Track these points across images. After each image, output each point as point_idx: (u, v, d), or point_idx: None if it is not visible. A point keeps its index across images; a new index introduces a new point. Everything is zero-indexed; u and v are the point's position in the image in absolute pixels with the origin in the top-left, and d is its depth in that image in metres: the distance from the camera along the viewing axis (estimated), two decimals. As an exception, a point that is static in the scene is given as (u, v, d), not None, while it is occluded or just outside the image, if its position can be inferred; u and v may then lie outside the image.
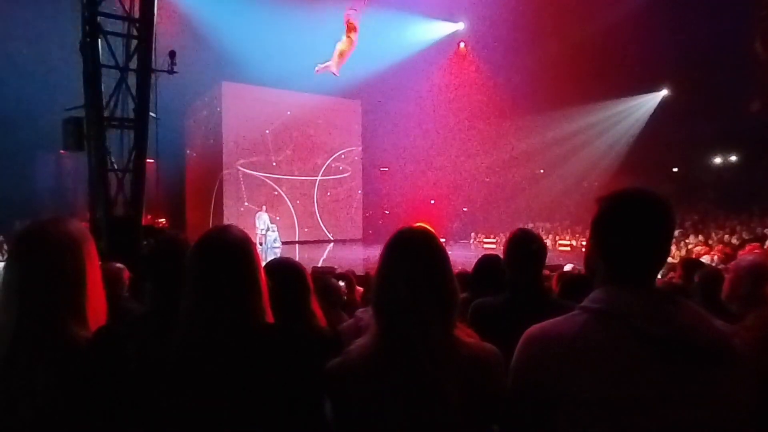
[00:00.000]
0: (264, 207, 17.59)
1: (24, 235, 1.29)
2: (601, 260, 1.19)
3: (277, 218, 18.23)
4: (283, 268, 1.84)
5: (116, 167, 7.28)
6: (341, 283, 3.73)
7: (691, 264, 4.02)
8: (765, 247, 10.32)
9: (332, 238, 20.10)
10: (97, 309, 1.29)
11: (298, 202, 19.72)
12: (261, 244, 15.62)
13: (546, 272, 4.68)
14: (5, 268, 1.25)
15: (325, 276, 3.74)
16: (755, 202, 15.97)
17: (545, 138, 20.05)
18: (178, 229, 17.14)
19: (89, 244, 1.31)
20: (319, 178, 20.39)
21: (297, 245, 17.99)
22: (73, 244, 1.26)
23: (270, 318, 1.35)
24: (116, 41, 7.24)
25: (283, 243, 17.45)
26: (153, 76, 7.47)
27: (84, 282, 1.26)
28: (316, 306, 1.86)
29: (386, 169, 20.62)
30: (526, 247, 2.17)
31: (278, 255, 16.66)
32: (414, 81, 19.93)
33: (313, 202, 20.26)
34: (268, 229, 16.85)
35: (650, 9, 15.23)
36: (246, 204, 18.47)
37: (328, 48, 14.50)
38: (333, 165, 20.76)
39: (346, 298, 3.67)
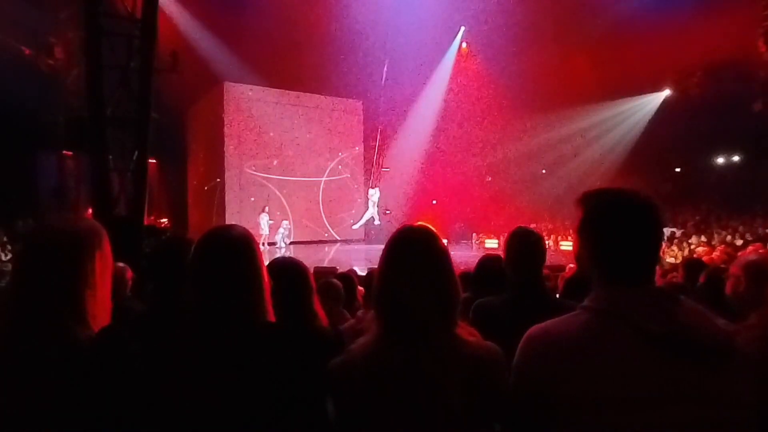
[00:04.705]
0: (266, 207, 17.61)
1: (30, 234, 1.30)
2: (596, 261, 1.19)
3: (278, 213, 18.27)
4: (285, 267, 1.83)
5: (118, 167, 7.29)
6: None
7: (693, 264, 4.00)
8: None
9: (338, 238, 20.11)
10: (102, 309, 1.29)
11: (299, 202, 19.71)
12: (263, 244, 15.62)
13: (546, 272, 4.68)
14: (12, 266, 1.26)
15: (327, 276, 3.74)
16: (758, 202, 15.94)
17: (547, 138, 20.05)
18: (180, 229, 17.20)
19: (99, 243, 1.30)
20: (323, 179, 20.40)
21: (295, 245, 17.95)
22: (78, 243, 1.26)
23: (271, 317, 1.35)
24: (118, 41, 7.26)
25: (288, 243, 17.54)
26: (155, 75, 7.47)
27: (88, 281, 1.25)
28: (318, 306, 1.86)
29: (388, 169, 20.61)
30: (523, 242, 2.17)
31: (283, 254, 16.86)
32: (416, 81, 19.95)
33: (315, 202, 20.26)
34: (279, 234, 17.12)
35: (652, 9, 15.24)
36: (251, 200, 18.50)
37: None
38: (335, 165, 20.77)
39: (346, 297, 3.67)
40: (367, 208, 18.75)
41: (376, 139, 20.04)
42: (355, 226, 19.12)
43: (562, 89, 17.86)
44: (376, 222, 18.57)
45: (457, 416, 1.17)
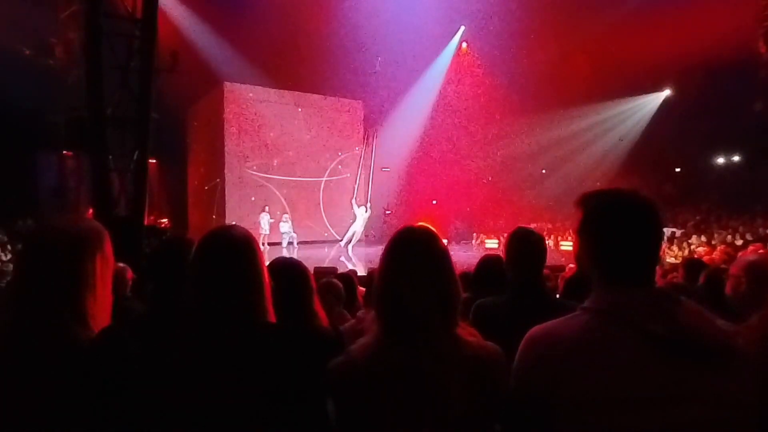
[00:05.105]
0: (266, 208, 17.60)
1: (31, 234, 1.30)
2: (596, 262, 1.19)
3: (278, 213, 18.23)
4: (286, 268, 1.84)
5: (118, 167, 7.29)
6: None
7: (693, 264, 4.00)
8: (768, 247, 10.25)
9: (338, 238, 20.09)
10: (103, 309, 1.29)
11: (300, 202, 19.70)
12: (263, 244, 15.60)
13: (546, 272, 4.68)
14: (13, 266, 1.27)
15: (327, 276, 3.74)
16: (758, 202, 15.93)
17: (548, 138, 20.05)
18: (180, 229, 17.19)
19: (101, 243, 1.30)
20: (323, 179, 20.38)
21: (298, 246, 17.92)
22: (79, 244, 1.26)
23: (272, 317, 1.35)
24: (118, 41, 7.27)
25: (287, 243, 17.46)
26: (155, 75, 7.48)
27: (89, 282, 1.25)
28: (318, 306, 1.86)
29: (388, 169, 20.59)
30: (523, 243, 2.17)
31: (291, 243, 16.78)
32: (416, 81, 19.94)
33: (316, 202, 20.25)
34: (285, 226, 16.98)
35: (652, 9, 15.24)
36: (252, 199, 18.49)
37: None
38: (335, 166, 20.76)
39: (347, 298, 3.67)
40: (354, 220, 17.18)
41: (371, 143, 19.27)
42: (341, 243, 17.52)
43: (562, 89, 17.85)
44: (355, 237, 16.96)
45: (458, 417, 1.18)
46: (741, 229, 14.82)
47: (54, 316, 1.20)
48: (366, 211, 17.18)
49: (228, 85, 18.22)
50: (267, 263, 1.51)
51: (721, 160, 19.91)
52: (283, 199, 19.21)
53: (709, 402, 1.02)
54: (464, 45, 20.64)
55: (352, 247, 16.56)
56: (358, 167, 19.80)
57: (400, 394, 1.19)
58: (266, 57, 16.71)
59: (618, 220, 1.16)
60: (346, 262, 13.83)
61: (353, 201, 17.61)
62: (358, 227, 16.98)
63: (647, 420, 1.01)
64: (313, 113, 20.08)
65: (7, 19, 12.01)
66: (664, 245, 13.93)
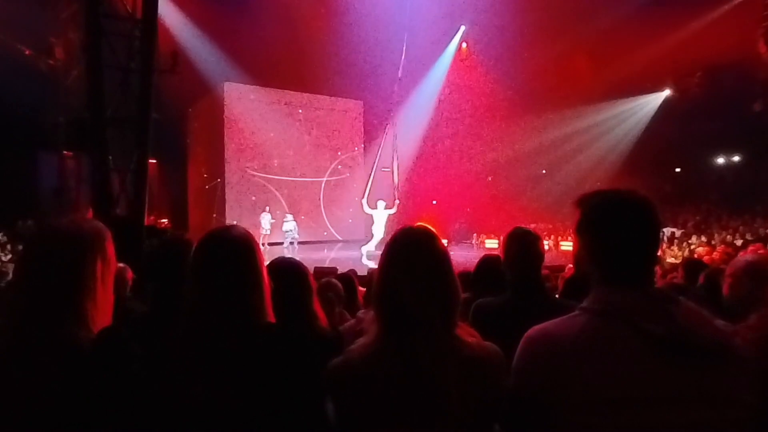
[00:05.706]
0: (267, 207, 17.61)
1: (33, 236, 1.31)
2: (595, 262, 1.20)
3: (278, 213, 18.20)
4: (285, 268, 1.84)
5: (118, 167, 7.30)
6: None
7: (693, 264, 4.01)
8: (768, 247, 10.25)
9: (339, 238, 20.04)
10: (103, 311, 1.29)
11: (300, 202, 19.70)
12: (263, 244, 15.55)
13: (546, 272, 4.67)
14: (14, 268, 1.27)
15: (327, 276, 3.74)
16: (758, 202, 15.94)
17: (548, 138, 20.04)
18: (180, 229, 17.17)
19: (102, 245, 1.31)
20: (323, 179, 20.38)
21: (297, 246, 17.90)
22: (81, 246, 1.26)
23: (271, 318, 1.35)
24: (118, 41, 7.27)
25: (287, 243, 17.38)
26: (155, 76, 7.48)
27: (90, 284, 1.26)
28: (317, 306, 1.86)
29: (387, 169, 20.58)
30: (521, 243, 2.18)
31: (292, 243, 16.59)
32: (416, 81, 19.92)
33: (316, 202, 20.25)
34: (290, 226, 16.81)
35: (652, 9, 15.25)
36: (252, 199, 18.48)
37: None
38: (335, 166, 20.76)
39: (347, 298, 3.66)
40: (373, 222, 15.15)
41: (393, 137, 17.67)
42: (364, 248, 15.25)
43: (562, 89, 17.86)
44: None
45: (457, 417, 1.18)
46: (741, 229, 14.82)
47: (54, 317, 1.20)
48: (389, 208, 15.25)
49: (228, 86, 18.22)
50: (267, 263, 1.51)
51: (721, 160, 19.91)
52: (283, 200, 19.21)
53: (708, 402, 1.03)
54: (464, 45, 20.62)
55: (375, 247, 14.70)
56: (372, 166, 18.25)
57: (400, 395, 1.19)
58: (266, 57, 16.69)
59: (616, 220, 1.16)
60: (367, 262, 13.25)
61: (364, 202, 15.38)
62: (378, 229, 14.97)
63: (646, 420, 1.01)
64: (313, 113, 20.09)
65: (7, 19, 12.00)
66: (664, 245, 13.94)
